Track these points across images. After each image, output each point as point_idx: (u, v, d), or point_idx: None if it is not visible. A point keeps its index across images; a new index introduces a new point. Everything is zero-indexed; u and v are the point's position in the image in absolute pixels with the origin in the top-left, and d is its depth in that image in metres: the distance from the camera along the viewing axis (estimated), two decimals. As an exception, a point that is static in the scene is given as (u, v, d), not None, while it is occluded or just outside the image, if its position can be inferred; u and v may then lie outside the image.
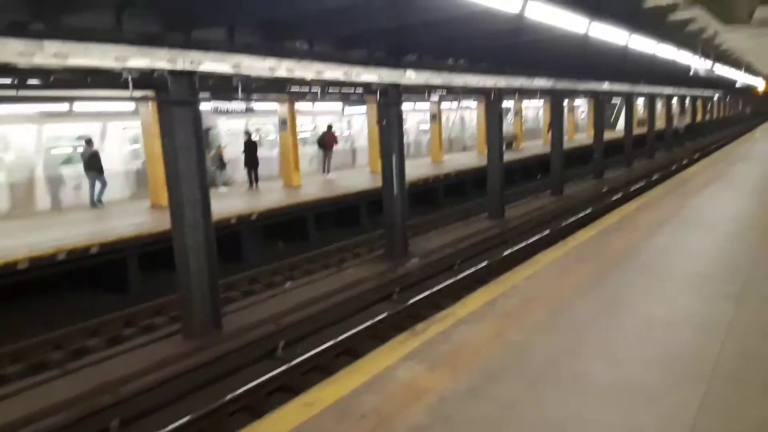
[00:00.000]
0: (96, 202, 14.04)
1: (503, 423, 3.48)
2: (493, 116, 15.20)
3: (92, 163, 13.81)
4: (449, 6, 7.20)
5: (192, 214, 7.53)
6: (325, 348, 7.37)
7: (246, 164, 17.25)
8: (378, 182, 12.06)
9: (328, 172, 19.68)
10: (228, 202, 13.78)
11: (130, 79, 6.84)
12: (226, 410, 6.07)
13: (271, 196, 15.55)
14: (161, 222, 10.38)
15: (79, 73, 7.12)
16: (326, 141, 19.70)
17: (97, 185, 14.03)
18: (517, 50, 12.43)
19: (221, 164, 17.00)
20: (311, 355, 7.17)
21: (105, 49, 6.29)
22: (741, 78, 22.92)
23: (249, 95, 9.88)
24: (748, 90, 39.47)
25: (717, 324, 4.74)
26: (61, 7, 6.50)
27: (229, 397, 6.17)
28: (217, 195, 14.89)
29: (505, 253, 11.67)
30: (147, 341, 7.69)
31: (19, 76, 7.09)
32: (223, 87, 9.58)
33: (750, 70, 23.49)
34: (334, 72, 9.38)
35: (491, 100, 14.81)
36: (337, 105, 22.58)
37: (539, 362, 4.25)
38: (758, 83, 31.85)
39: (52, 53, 5.91)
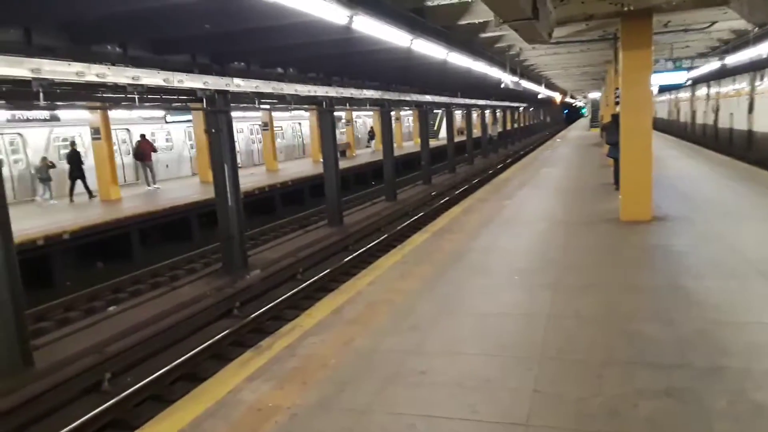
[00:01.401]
0: None
1: (358, 431, 3.45)
2: (326, 125, 15.36)
3: None
4: (271, 15, 7.07)
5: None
6: (159, 375, 6.79)
7: (70, 176, 16.17)
8: (209, 193, 11.48)
9: (151, 184, 18.35)
10: (40, 220, 12.19)
11: None
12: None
13: (89, 211, 14.06)
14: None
15: None
16: (142, 151, 18.40)
17: None
18: (347, 61, 12.72)
19: (47, 176, 15.83)
20: (144, 384, 6.55)
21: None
22: (542, 91, 25.86)
23: (53, 103, 8.79)
24: (549, 101, 44.74)
25: (539, 312, 5.21)
26: None
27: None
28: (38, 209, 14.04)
29: (347, 260, 11.80)
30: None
31: None
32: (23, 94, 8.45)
33: (549, 84, 26.57)
34: (153, 78, 8.74)
35: (323, 110, 14.95)
36: (159, 113, 21.32)
37: (387, 365, 4.30)
38: (556, 96, 36.22)
39: None
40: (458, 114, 40.73)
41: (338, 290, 6.66)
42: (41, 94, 7.50)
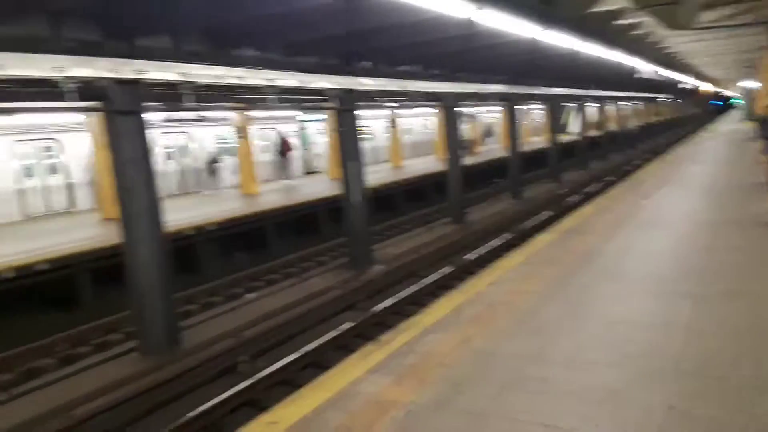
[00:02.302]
0: None
1: (473, 435, 3.41)
2: (450, 121, 15.30)
3: None
4: (398, 13, 7.16)
5: (143, 227, 7.25)
6: (289, 361, 7.19)
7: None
8: (338, 189, 11.94)
9: (287, 179, 19.56)
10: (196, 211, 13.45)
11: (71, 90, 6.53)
12: (189, 429, 5.83)
13: (231, 204, 15.24)
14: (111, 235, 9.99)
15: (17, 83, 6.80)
16: (283, 148, 19.72)
17: None
18: (472, 56, 12.56)
19: (213, 170, 18.65)
20: (275, 369, 6.98)
21: (43, 58, 6.00)
22: (687, 81, 23.77)
23: (199, 104, 9.63)
24: (694, 92, 41.00)
25: (676, 322, 4.80)
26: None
27: (190, 415, 5.92)
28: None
29: (467, 258, 11.70)
30: (102, 359, 7.36)
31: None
32: (171, 96, 9.32)
33: (695, 73, 24.41)
34: (287, 80, 9.24)
35: (447, 106, 14.90)
36: (293, 113, 22.54)
37: (506, 369, 4.20)
38: (703, 85, 33.14)
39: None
40: (591, 107, 38.62)
41: (458, 289, 6.62)
42: (188, 96, 8.26)
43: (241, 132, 16.78)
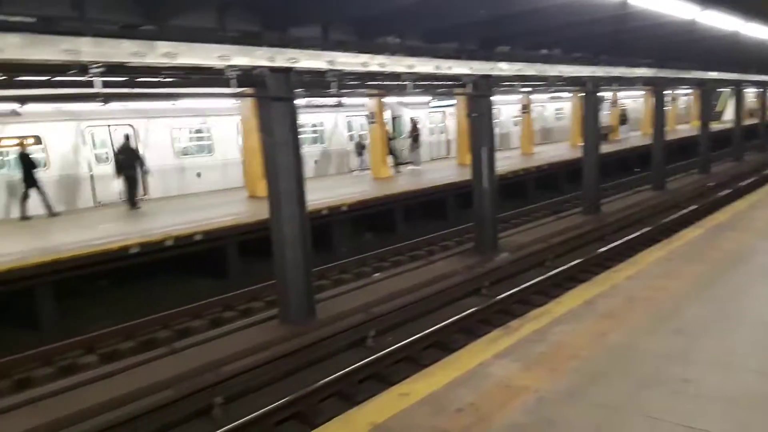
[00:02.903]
0: None
1: (608, 428, 3.36)
2: (589, 107, 14.61)
3: None
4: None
5: (289, 206, 7.80)
6: (414, 339, 7.42)
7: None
8: (465, 175, 11.94)
9: (415, 164, 19.90)
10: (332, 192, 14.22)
11: (231, 77, 7.15)
12: (321, 394, 6.26)
13: (362, 187, 15.83)
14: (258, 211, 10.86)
15: (185, 71, 7.55)
16: (413, 134, 20.12)
17: None
18: (617, 39, 11.85)
19: (360, 152, 19.81)
20: (401, 346, 7.24)
21: (210, 48, 6.63)
22: None
23: (341, 90, 10.08)
24: None
25: None
26: (169, 9, 6.92)
27: (323, 381, 6.36)
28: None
29: (601, 251, 11.21)
30: (247, 324, 8.09)
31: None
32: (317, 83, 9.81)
33: None
34: (425, 66, 9.37)
35: (587, 91, 14.23)
36: (422, 98, 22.73)
37: (645, 367, 4.06)
38: None
39: (162, 53, 6.30)
40: (749, 93, 34.79)
41: (592, 281, 6.42)
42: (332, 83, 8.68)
43: (375, 117, 17.26)
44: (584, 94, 14.49)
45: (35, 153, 13.34)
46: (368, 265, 11.52)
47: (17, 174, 12.85)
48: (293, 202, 7.85)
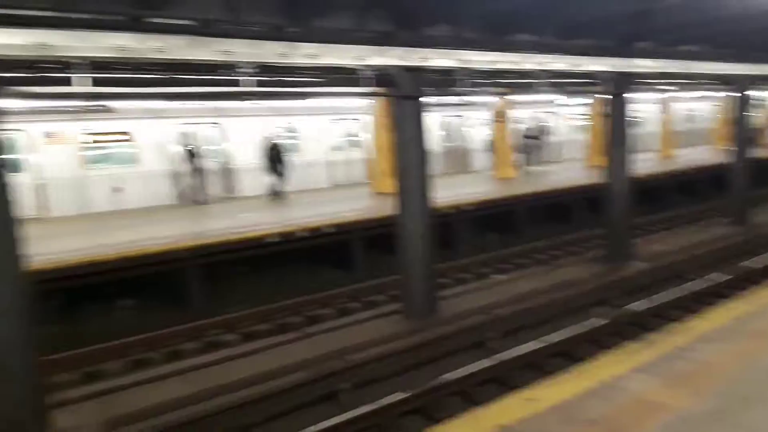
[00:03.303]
0: None
1: (761, 458, 3.10)
2: (740, 107, 13.32)
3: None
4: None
5: (415, 202, 7.95)
6: (539, 347, 7.26)
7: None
8: (594, 177, 11.38)
9: (537, 165, 19.32)
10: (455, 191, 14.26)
11: (365, 76, 7.43)
12: (443, 392, 6.34)
13: (486, 187, 15.69)
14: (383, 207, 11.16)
15: (325, 71, 7.95)
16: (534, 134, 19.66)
17: None
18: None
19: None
20: (525, 352, 7.12)
21: (348, 49, 6.92)
22: None
23: (468, 88, 10.05)
24: None
25: None
26: (313, 10, 7.30)
27: (445, 379, 6.43)
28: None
29: (747, 264, 10.21)
30: (372, 316, 8.37)
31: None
32: (444, 82, 9.86)
33: None
34: (558, 63, 9.08)
35: (737, 90, 12.99)
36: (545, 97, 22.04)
37: (806, 395, 3.67)
38: None
39: (304, 54, 6.67)
40: None
41: (740, 297, 5.89)
42: (460, 81, 8.69)
43: (499, 116, 17.00)
44: (732, 93, 13.23)
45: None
46: (490, 266, 11.41)
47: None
48: (419, 199, 7.99)
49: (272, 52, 6.12)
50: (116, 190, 14.08)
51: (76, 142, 13.72)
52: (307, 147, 17.01)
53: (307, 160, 17.06)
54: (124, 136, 14.37)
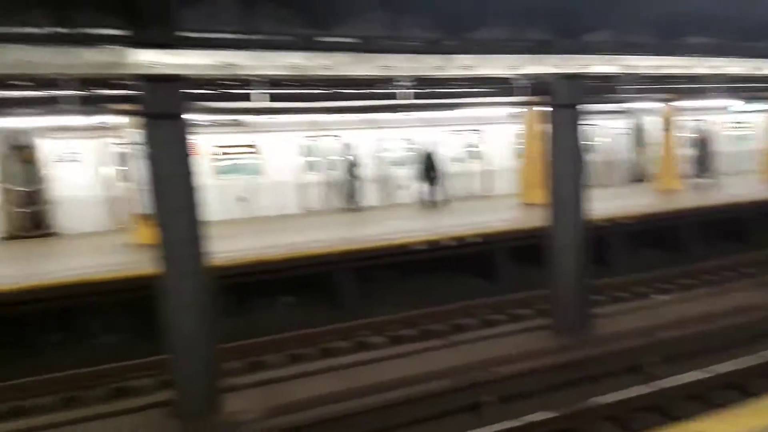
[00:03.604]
0: None
1: None
2: None
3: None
4: None
5: (568, 213, 7.66)
6: (706, 377, 6.60)
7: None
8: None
9: (706, 176, 17.48)
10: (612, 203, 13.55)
11: (519, 85, 7.31)
12: (593, 415, 6.02)
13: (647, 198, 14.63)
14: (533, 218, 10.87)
15: (474, 82, 7.95)
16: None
17: None
18: None
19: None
20: (690, 381, 6.52)
21: (502, 58, 6.86)
22: None
23: (629, 95, 9.45)
24: None
25: None
26: (467, 24, 7.36)
27: (596, 402, 6.10)
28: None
29: None
30: (517, 329, 8.20)
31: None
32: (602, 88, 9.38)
33: None
34: (738, 66, 8.23)
35: None
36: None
37: None
38: None
39: (460, 65, 6.74)
40: None
41: None
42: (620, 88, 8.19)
43: (666, 124, 15.72)
44: None
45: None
46: (650, 286, 10.59)
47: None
48: (573, 210, 7.67)
49: (429, 65, 6.27)
50: (240, 199, 14.86)
51: (208, 153, 14.61)
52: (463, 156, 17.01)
53: (458, 169, 17.08)
54: (251, 148, 15.05)
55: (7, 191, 12.89)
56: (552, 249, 7.83)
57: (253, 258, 9.64)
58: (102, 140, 13.29)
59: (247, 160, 14.94)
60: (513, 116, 15.21)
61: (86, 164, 13.26)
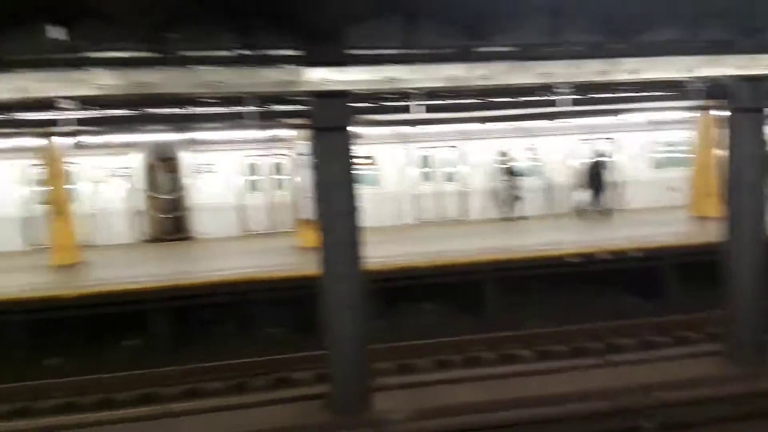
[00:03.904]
0: None
1: None
2: None
3: None
4: None
5: (749, 228, 6.88)
6: None
7: None
8: None
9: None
10: None
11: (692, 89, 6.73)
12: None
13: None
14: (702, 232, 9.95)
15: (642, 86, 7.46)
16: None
17: None
18: None
19: None
20: None
21: (674, 61, 6.36)
22: None
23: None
24: None
25: None
26: (634, 25, 6.94)
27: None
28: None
29: None
30: (683, 354, 7.53)
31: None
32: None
33: None
34: None
35: None
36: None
37: None
38: None
39: (625, 69, 6.36)
40: None
41: None
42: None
43: None
44: None
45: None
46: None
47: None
48: (753, 225, 6.87)
49: (591, 70, 6.01)
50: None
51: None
52: (628, 164, 15.95)
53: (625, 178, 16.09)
54: (368, 159, 14.96)
55: (152, 198, 14.48)
56: (728, 267, 7.08)
57: (400, 264, 9.92)
58: (237, 153, 14.56)
59: (364, 170, 14.95)
60: (667, 122, 13.93)
61: (221, 175, 14.53)
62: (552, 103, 7.70)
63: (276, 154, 14.59)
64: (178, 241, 14.18)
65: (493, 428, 6.00)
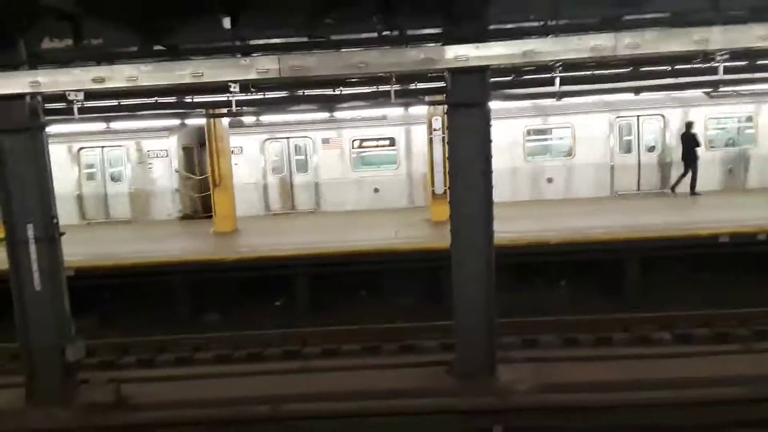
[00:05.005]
0: None
1: None
2: None
3: None
4: None
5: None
6: None
7: None
8: None
9: None
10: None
11: None
12: None
13: None
14: None
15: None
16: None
17: None
18: None
19: None
20: None
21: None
22: None
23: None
24: None
25: None
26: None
27: None
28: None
29: None
30: None
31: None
32: None
33: None
34: None
35: None
36: None
37: None
38: None
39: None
40: None
41: None
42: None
43: None
44: None
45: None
46: None
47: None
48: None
49: (753, 35, 5.51)
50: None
51: (346, 146, 15.57)
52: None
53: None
54: (388, 141, 15.54)
55: (185, 179, 15.49)
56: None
57: (532, 240, 9.85)
58: (256, 137, 15.41)
59: (383, 152, 15.62)
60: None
61: (247, 158, 15.32)
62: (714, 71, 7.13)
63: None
64: (205, 219, 15.07)
65: (621, 407, 5.88)
